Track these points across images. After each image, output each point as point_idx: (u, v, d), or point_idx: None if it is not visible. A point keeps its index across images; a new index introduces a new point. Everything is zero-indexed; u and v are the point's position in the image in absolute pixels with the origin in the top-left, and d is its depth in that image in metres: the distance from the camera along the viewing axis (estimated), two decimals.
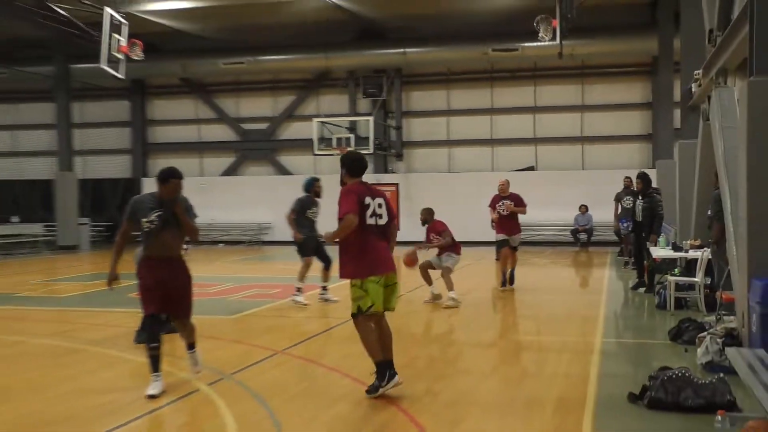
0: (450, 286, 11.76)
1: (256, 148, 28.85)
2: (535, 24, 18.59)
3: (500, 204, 11.84)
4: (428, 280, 12.06)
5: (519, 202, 11.76)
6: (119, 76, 20.74)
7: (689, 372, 6.18)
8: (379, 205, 6.54)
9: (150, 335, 6.49)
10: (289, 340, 9.16)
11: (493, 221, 12.64)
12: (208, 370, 6.93)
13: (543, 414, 6.08)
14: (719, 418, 5.16)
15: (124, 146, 29.57)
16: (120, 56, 20.38)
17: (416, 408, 6.19)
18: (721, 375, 6.31)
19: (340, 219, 6.31)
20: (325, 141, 25.20)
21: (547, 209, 22.74)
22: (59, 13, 23.04)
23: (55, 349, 8.84)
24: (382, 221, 6.59)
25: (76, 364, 8.06)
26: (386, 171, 27.50)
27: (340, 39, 26.05)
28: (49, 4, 22.47)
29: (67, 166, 26.82)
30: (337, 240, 6.48)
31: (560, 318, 10.99)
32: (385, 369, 6.40)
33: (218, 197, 26.26)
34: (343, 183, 6.64)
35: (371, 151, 25.44)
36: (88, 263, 21.95)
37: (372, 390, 6.39)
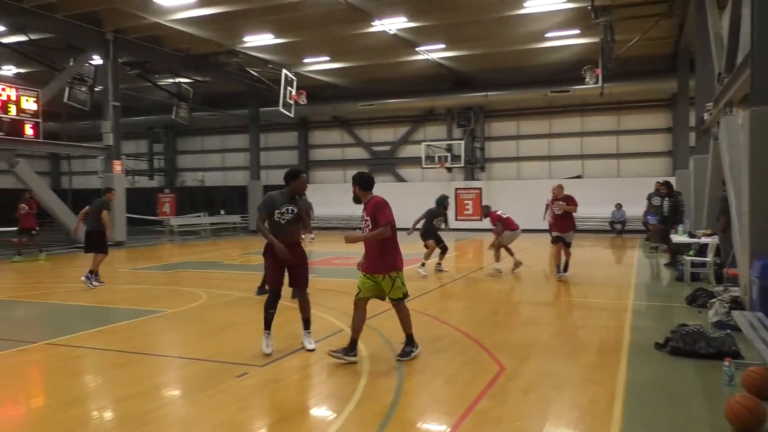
0: (496, 258, 12.22)
1: (382, 164, 29.00)
2: (582, 72, 18.02)
3: (554, 205, 11.28)
4: (497, 257, 12.29)
5: (570, 202, 11.20)
6: (290, 116, 21.39)
7: (703, 328, 5.82)
8: None
9: (270, 303, 5.94)
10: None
11: (547, 216, 12.15)
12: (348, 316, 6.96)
13: (588, 355, 5.84)
14: (726, 363, 4.82)
15: (293, 163, 30.36)
16: (291, 102, 21.00)
17: (496, 348, 6.07)
18: (728, 331, 5.96)
19: (380, 226, 5.44)
20: (429, 158, 25.60)
21: (591, 206, 21.84)
22: (252, 74, 23.98)
23: (249, 300, 9.18)
24: None
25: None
26: (473, 179, 27.12)
27: (440, 86, 26.03)
28: (247, 69, 23.40)
29: (256, 176, 27.76)
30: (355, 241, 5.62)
31: (601, 285, 10.53)
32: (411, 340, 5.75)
33: None
34: (356, 197, 5.80)
35: (462, 164, 25.45)
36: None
37: (404, 354, 5.64)
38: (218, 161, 32.96)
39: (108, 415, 4.42)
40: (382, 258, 5.56)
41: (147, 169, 33.53)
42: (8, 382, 5.30)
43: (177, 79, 25.00)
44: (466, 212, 26.61)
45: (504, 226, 12.04)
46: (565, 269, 11.20)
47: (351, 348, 5.56)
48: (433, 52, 21.66)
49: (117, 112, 20.39)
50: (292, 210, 5.98)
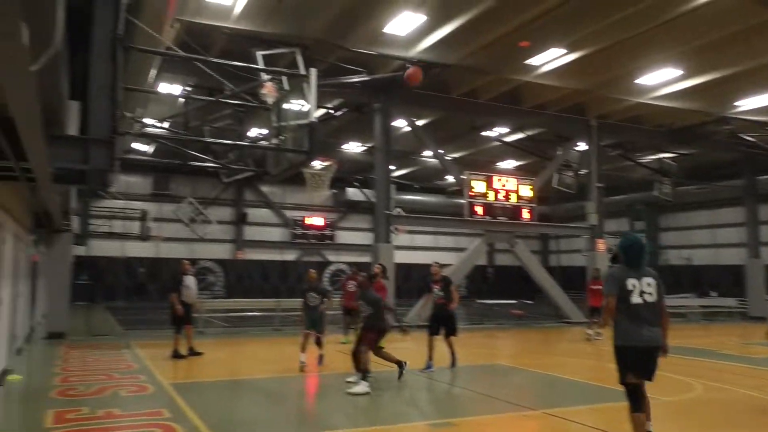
0: None
1: None
2: None
3: None
4: None
5: None
6: None
7: None
8: None
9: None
10: None
11: None
12: None
13: None
14: None
15: None
16: None
17: None
18: None
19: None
20: None
21: None
22: (747, 140, 21.66)
23: (750, 399, 7.97)
24: None
25: None
26: None
27: None
28: (740, 135, 21.32)
29: (755, 254, 24.35)
30: None
31: None
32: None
33: None
34: None
35: None
36: None
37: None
38: (707, 238, 30.40)
39: None
40: None
41: None
42: None
43: (659, 155, 24.61)
44: None
45: None
46: None
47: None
48: None
49: (600, 193, 21.32)
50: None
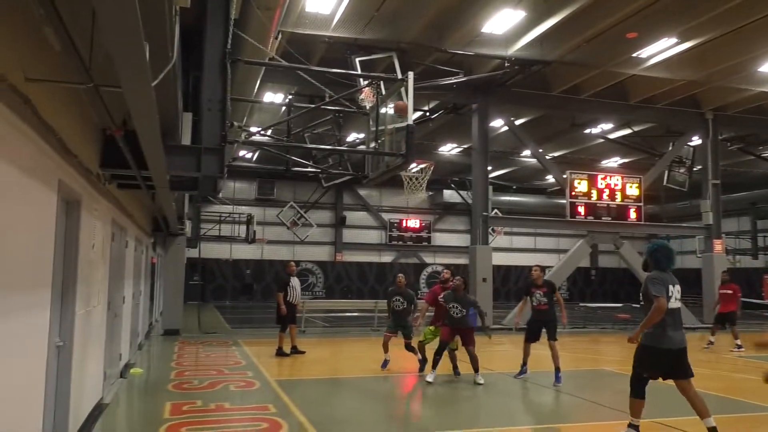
0: None
1: None
2: None
3: None
4: None
5: None
6: None
7: None
8: None
9: None
10: None
11: None
12: None
13: None
14: None
15: None
16: None
17: None
18: None
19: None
20: None
21: None
22: None
23: None
24: None
25: None
26: None
27: None
28: None
29: None
30: None
31: None
32: None
33: None
34: None
35: None
36: None
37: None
38: None
39: None
40: None
41: (750, 248, 31.04)
42: None
43: None
44: None
45: None
46: None
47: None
48: None
49: (717, 190, 19.92)
50: None
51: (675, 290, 5.47)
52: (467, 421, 6.95)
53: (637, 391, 5.59)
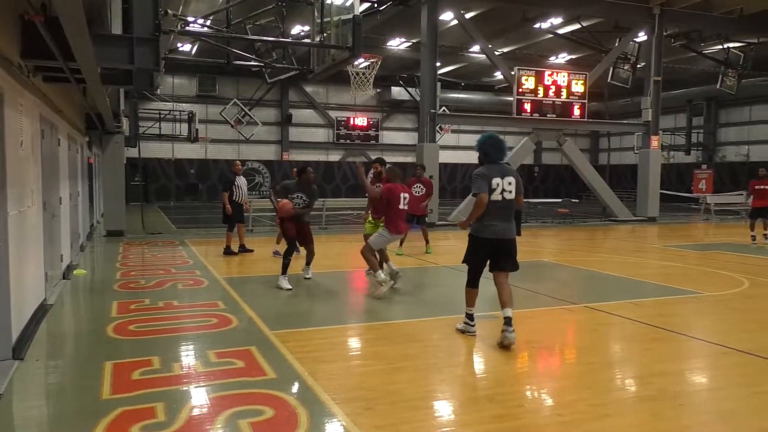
0: None
1: None
2: None
3: None
4: None
5: None
6: None
7: None
8: None
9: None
10: None
11: None
12: None
13: None
14: None
15: None
16: None
17: None
18: None
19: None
20: None
21: None
22: None
23: None
24: None
25: None
26: None
27: None
28: None
29: None
30: None
31: None
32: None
33: None
34: None
35: None
36: None
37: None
38: (767, 133, 28.97)
39: (640, 385, 4.57)
40: None
41: (683, 144, 32.32)
42: (555, 334, 6.16)
43: (725, 45, 23.02)
44: None
45: None
46: None
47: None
48: None
49: (657, 87, 20.33)
50: None
51: (505, 182, 5.41)
52: (401, 313, 7.25)
53: (471, 281, 5.74)
